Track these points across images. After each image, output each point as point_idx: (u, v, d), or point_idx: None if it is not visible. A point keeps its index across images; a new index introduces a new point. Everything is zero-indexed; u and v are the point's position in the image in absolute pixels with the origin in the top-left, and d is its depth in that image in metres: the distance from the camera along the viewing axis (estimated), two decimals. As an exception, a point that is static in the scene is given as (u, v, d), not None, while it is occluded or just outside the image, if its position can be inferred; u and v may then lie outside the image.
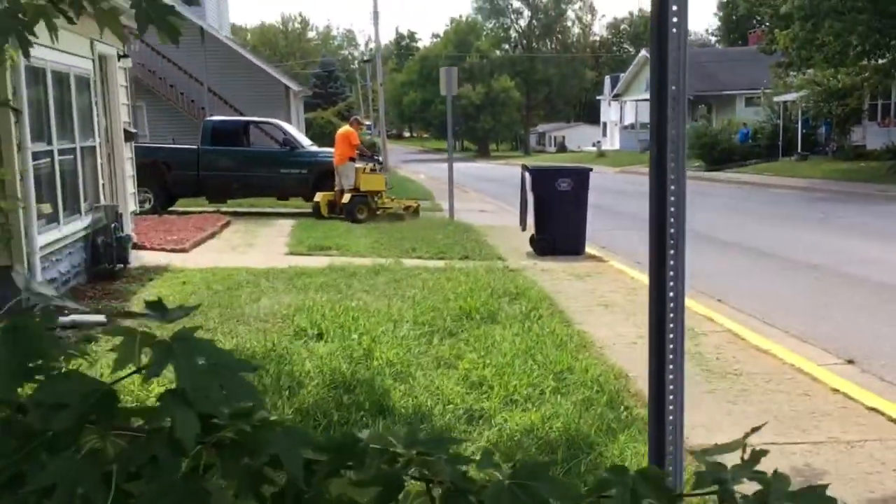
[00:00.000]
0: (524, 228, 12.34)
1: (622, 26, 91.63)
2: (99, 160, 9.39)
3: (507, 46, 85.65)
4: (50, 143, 7.73)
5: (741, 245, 13.00)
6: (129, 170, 10.98)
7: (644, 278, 9.78)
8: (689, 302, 8.18)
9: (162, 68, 25.44)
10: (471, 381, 5.18)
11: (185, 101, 25.40)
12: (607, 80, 64.89)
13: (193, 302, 7.68)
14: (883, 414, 5.04)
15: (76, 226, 8.38)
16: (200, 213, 16.73)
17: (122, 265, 9.16)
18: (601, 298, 8.54)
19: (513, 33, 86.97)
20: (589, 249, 12.64)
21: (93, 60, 9.30)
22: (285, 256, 11.10)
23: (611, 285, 9.37)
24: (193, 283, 8.73)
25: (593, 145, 58.93)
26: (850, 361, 6.46)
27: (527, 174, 11.88)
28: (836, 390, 5.53)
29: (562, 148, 78.65)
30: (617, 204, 20.89)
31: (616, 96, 56.50)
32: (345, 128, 17.04)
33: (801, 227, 15.35)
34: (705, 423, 4.85)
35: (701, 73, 41.64)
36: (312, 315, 6.85)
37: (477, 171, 44.69)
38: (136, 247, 11.14)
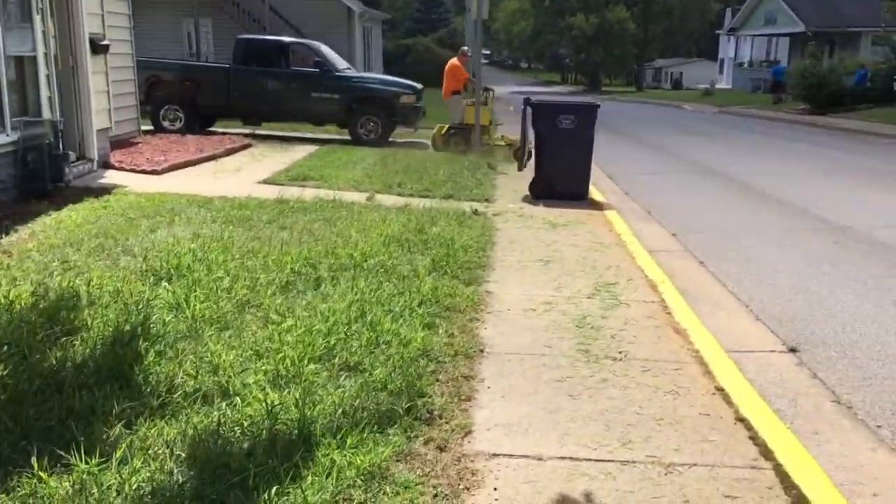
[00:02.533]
0: (520, 168, 11.24)
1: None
2: (43, 71, 8.88)
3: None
4: (-51, 49, 7.23)
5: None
6: (98, 85, 10.49)
7: (629, 232, 8.71)
8: (670, 266, 7.18)
9: (226, -15, 25.01)
10: (257, 352, 4.35)
11: (248, 21, 24.92)
12: (728, 12, 60.57)
13: (93, 229, 7.14)
14: (750, 428, 3.91)
15: (-7, 140, 7.94)
16: (224, 134, 16.31)
17: (56, 184, 8.70)
18: (553, 253, 7.47)
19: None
20: (609, 195, 11.46)
21: (37, -36, 8.72)
22: (257, 185, 10.44)
23: (582, 238, 8.26)
24: (116, 207, 8.18)
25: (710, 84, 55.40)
26: (793, 350, 5.28)
27: (528, 108, 10.68)
28: (719, 389, 4.40)
29: (677, 85, 74.66)
30: (685, 148, 19.21)
31: (732, 30, 52.58)
32: (452, 60, 16.19)
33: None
34: (514, 420, 3.87)
35: (821, 4, 38.01)
36: (181, 254, 6.13)
37: None
38: (108, 166, 10.75)
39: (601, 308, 5.79)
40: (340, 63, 17.54)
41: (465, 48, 16.62)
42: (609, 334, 5.23)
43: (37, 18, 8.72)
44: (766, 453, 3.67)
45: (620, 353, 4.90)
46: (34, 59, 8.73)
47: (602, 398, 4.21)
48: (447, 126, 15.65)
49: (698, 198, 11.70)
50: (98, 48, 10.28)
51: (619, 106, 43.26)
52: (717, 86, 53.90)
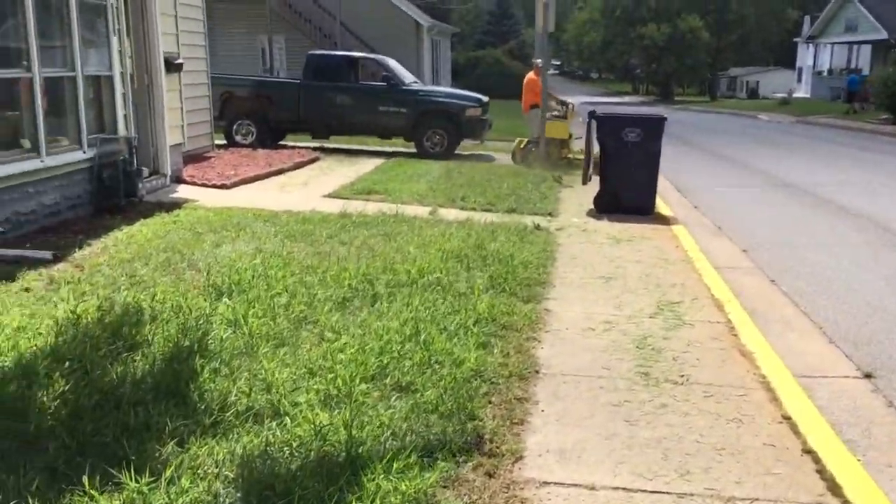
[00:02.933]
0: (585, 182, 11.08)
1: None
2: (119, 90, 9.16)
3: (699, -18, 79.62)
4: (29, 70, 7.51)
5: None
6: (172, 102, 10.78)
7: (696, 247, 8.49)
8: (736, 283, 6.95)
9: (298, 2, 25.48)
10: (310, 370, 4.36)
11: (320, 36, 25.34)
12: (806, 19, 58.90)
13: (161, 244, 7.31)
14: (818, 461, 3.73)
15: (69, 157, 8.20)
16: (294, 147, 16.57)
17: (129, 199, 8.95)
18: (616, 269, 7.32)
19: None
20: (678, 208, 11.21)
21: (113, -13, 9.02)
22: (322, 199, 10.55)
23: (646, 253, 8.08)
24: (185, 222, 8.36)
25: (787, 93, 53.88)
26: (868, 375, 5.03)
27: (592, 121, 10.54)
28: (786, 418, 4.21)
29: (753, 94, 72.85)
30: (759, 159, 18.69)
31: (810, 38, 51.08)
32: (529, 74, 16.20)
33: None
34: (567, 446, 3.78)
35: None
36: (242, 270, 6.22)
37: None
38: (180, 181, 11.02)
39: (663, 328, 5.63)
40: (407, 77, 17.66)
41: (538, 61, 16.52)
42: (671, 356, 5.08)
43: (113, 39, 9.01)
44: (834, 488, 3.49)
45: (682, 376, 4.75)
46: (111, 78, 9.02)
47: (660, 425, 4.08)
48: (526, 140, 15.58)
49: (772, 212, 11.35)
50: (172, 66, 10.57)
51: (691, 116, 42.46)
52: (795, 95, 52.39)
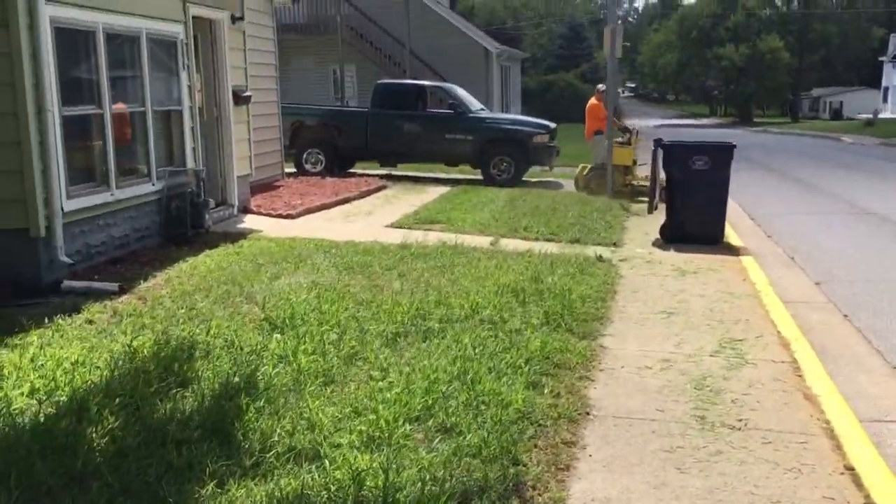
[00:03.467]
0: (651, 211, 10.85)
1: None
2: (188, 123, 9.43)
3: (779, 2, 77.99)
4: (101, 106, 7.78)
5: None
6: (240, 133, 11.03)
7: (765, 280, 8.19)
8: (805, 319, 6.68)
9: (369, 32, 25.91)
10: (355, 409, 4.34)
11: (390, 65, 25.70)
12: (892, 38, 56.97)
13: (222, 276, 7.44)
14: (881, 521, 3.51)
15: (139, 190, 8.45)
16: (362, 175, 16.76)
17: (196, 230, 9.17)
18: (679, 304, 7.12)
19: (788, -12, 79.04)
20: (749, 238, 10.89)
21: (184, 24, 9.31)
22: (384, 228, 10.61)
23: (712, 287, 7.84)
24: (248, 253, 8.51)
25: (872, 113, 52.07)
26: (942, 423, 4.73)
27: (659, 149, 10.34)
28: (849, 469, 3.99)
29: (836, 115, 70.72)
30: (840, 184, 18.01)
31: (896, 57, 49.32)
32: (591, 100, 16.07)
33: None
34: (612, 495, 3.65)
35: None
36: (296, 304, 6.27)
37: (717, 138, 40.62)
38: (247, 211, 11.25)
39: (724, 368, 5.43)
40: (474, 104, 17.70)
41: (601, 86, 16.34)
42: (730, 399, 4.88)
43: (183, 74, 9.29)
44: (898, 550, 3.27)
45: (740, 420, 4.55)
46: (180, 112, 9.29)
47: (714, 474, 3.90)
48: (589, 166, 15.37)
49: (850, 242, 10.89)
50: (240, 99, 10.83)
51: (770, 138, 41.42)
52: (881, 115, 50.57)
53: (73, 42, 7.47)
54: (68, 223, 7.24)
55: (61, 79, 7.13)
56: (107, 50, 7.78)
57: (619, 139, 15.32)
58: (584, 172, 15.34)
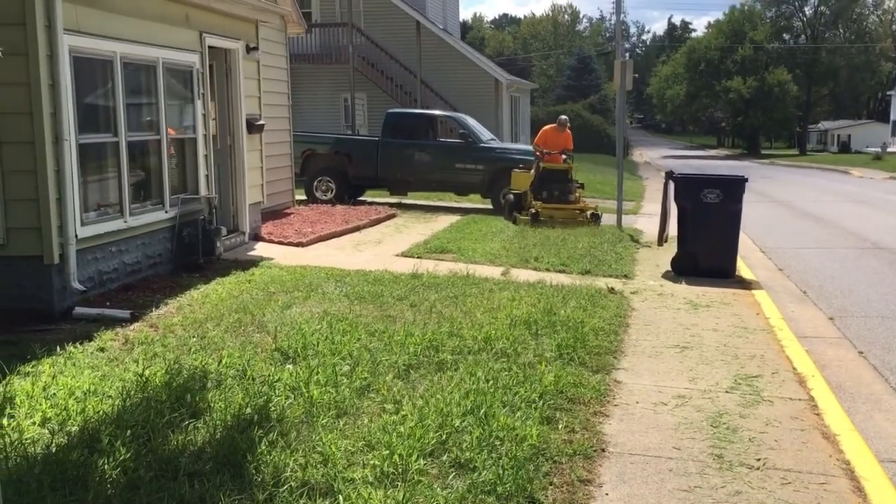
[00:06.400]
0: (661, 243, 10.83)
1: (932, 11, 79.98)
2: (202, 151, 9.47)
3: (787, 36, 78.38)
4: (116, 134, 7.82)
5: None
6: (253, 161, 11.07)
7: (778, 315, 8.13)
8: (819, 355, 6.62)
9: (380, 61, 26.09)
10: (369, 443, 4.29)
11: (401, 94, 25.85)
12: (900, 72, 57.04)
13: (234, 304, 7.43)
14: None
15: (151, 217, 8.47)
16: (372, 204, 16.80)
17: (207, 257, 9.17)
18: (692, 338, 7.07)
19: (796, 22, 79.38)
20: (760, 271, 10.84)
21: (200, 53, 9.38)
22: (394, 257, 10.61)
23: (725, 321, 7.79)
24: (259, 281, 8.50)
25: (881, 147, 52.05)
26: (965, 465, 4.65)
27: (670, 182, 10.34)
28: (870, 513, 3.92)
29: (844, 148, 70.78)
30: (850, 218, 17.96)
31: (905, 91, 49.35)
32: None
33: None
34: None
35: None
36: (307, 334, 6.25)
37: (727, 170, 40.50)
38: (258, 238, 11.26)
39: (740, 405, 5.37)
40: (485, 134, 17.77)
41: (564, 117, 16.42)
42: (747, 437, 4.82)
43: (198, 103, 9.35)
44: None
45: (758, 460, 4.49)
46: (194, 140, 9.34)
47: (732, 515, 3.84)
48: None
49: (863, 277, 10.83)
50: (254, 128, 10.88)
51: (778, 171, 41.43)
52: (889, 149, 50.52)
53: (90, 71, 7.54)
54: (81, 250, 7.25)
55: (78, 107, 7.18)
56: (124, 79, 7.84)
57: (520, 166, 15.29)
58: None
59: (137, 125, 8.29)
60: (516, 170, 15.21)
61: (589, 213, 14.44)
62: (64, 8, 6.86)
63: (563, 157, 15.03)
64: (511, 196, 14.83)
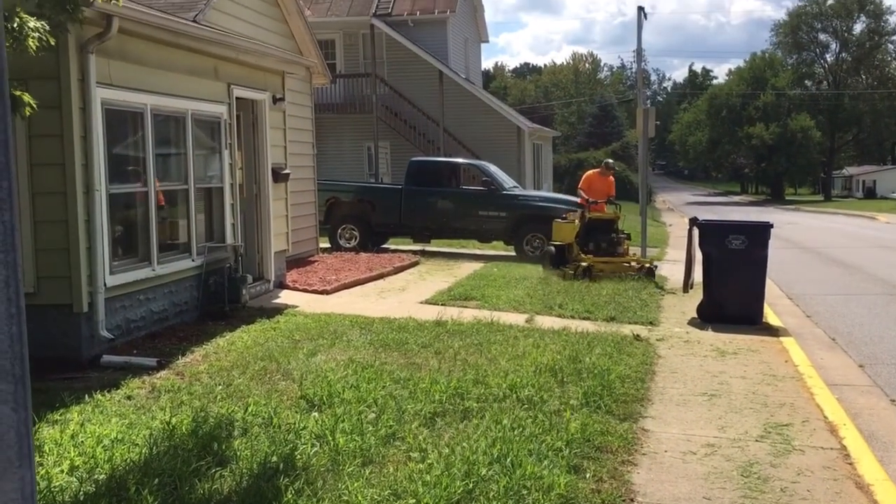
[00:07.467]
0: (686, 290, 10.76)
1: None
2: (228, 200, 9.61)
3: (809, 83, 78.50)
4: (145, 184, 7.97)
5: None
6: (278, 210, 11.21)
7: (807, 362, 8.02)
8: (852, 404, 6.51)
9: (403, 110, 26.45)
10: (395, 491, 4.27)
11: (424, 142, 26.14)
12: (924, 117, 56.85)
13: (259, 352, 7.47)
14: None
15: (179, 265, 8.58)
16: (395, 251, 16.88)
17: (233, 305, 9.24)
18: (720, 386, 6.98)
19: (817, 69, 79.55)
20: (788, 318, 10.72)
21: (228, 104, 9.58)
22: (418, 305, 10.62)
23: (753, 368, 7.69)
24: (284, 329, 8.54)
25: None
26: None
27: (694, 228, 10.32)
28: (909, 568, 3.81)
29: (870, 193, 70.40)
30: (879, 265, 17.72)
31: (930, 136, 49.07)
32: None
33: None
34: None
35: None
36: (333, 382, 6.26)
37: (751, 217, 40.11)
38: (283, 286, 11.34)
39: (771, 454, 5.28)
40: (507, 181, 17.88)
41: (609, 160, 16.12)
42: (778, 487, 4.73)
43: (225, 153, 9.52)
44: None
45: (790, 511, 4.40)
46: (221, 189, 9.49)
47: (765, 567, 3.76)
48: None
49: (892, 323, 10.67)
50: (279, 177, 11.04)
51: (803, 217, 41.16)
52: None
53: (121, 122, 7.72)
54: (110, 298, 7.35)
55: (109, 158, 7.34)
56: (153, 130, 8.02)
57: (564, 216, 14.71)
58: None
59: (166, 175, 8.45)
60: (558, 220, 14.57)
61: (645, 266, 13.51)
62: (97, 62, 7.05)
63: (607, 203, 14.61)
64: (552, 248, 14.20)
